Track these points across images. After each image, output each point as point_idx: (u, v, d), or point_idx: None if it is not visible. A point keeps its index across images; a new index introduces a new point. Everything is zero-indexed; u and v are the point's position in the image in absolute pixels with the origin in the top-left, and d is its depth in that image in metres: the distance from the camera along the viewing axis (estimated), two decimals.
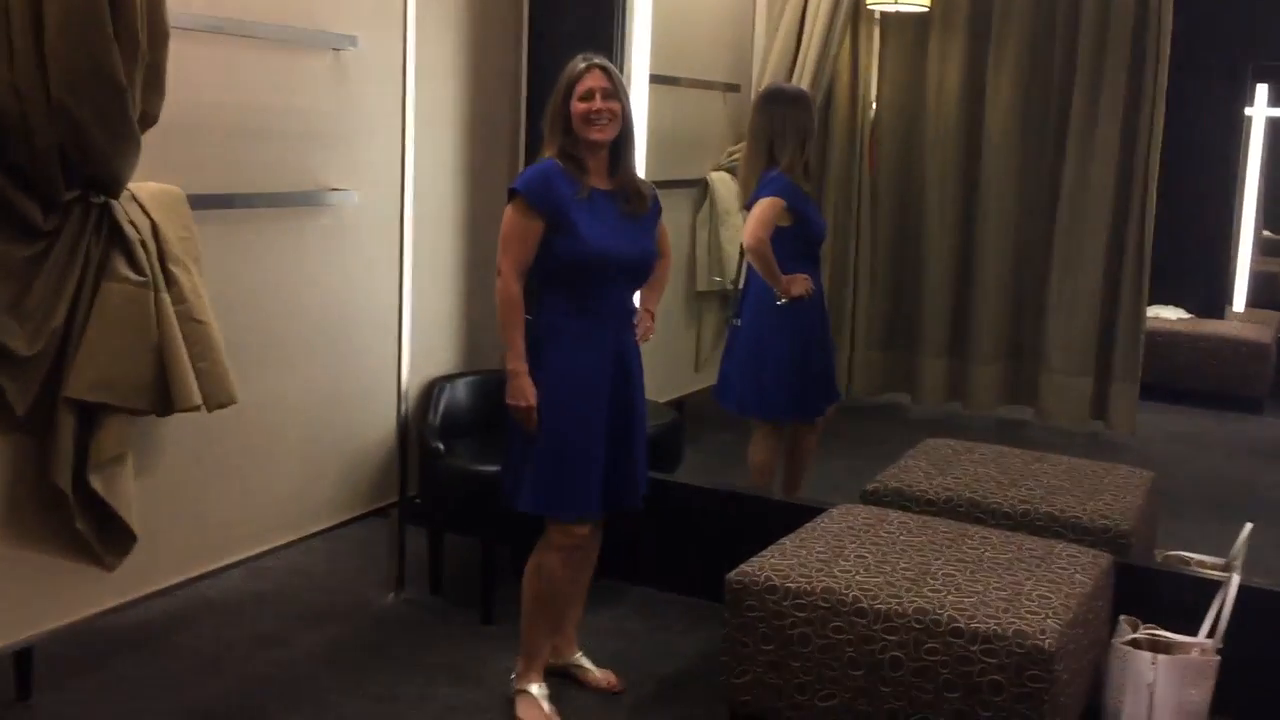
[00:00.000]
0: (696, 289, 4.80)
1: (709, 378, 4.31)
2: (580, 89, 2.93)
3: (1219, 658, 2.90)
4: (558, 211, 2.92)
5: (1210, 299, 6.01)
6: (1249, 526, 3.23)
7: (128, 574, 2.88)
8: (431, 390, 3.86)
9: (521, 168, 4.02)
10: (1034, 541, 3.08)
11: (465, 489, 3.62)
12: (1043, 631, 2.56)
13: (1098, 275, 4.91)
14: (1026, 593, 2.73)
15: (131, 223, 2.65)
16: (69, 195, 2.52)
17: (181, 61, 2.69)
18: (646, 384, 3.18)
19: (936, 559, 2.91)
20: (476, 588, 3.68)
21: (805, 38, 4.63)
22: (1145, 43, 4.70)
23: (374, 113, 3.53)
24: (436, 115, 3.82)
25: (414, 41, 3.60)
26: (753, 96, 4.55)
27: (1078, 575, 2.86)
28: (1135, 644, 2.94)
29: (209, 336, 2.78)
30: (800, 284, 3.85)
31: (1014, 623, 2.59)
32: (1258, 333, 5.72)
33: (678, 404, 4.55)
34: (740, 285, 4.10)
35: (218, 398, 2.81)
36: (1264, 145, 5.99)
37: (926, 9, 5.03)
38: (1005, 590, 2.74)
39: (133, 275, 2.62)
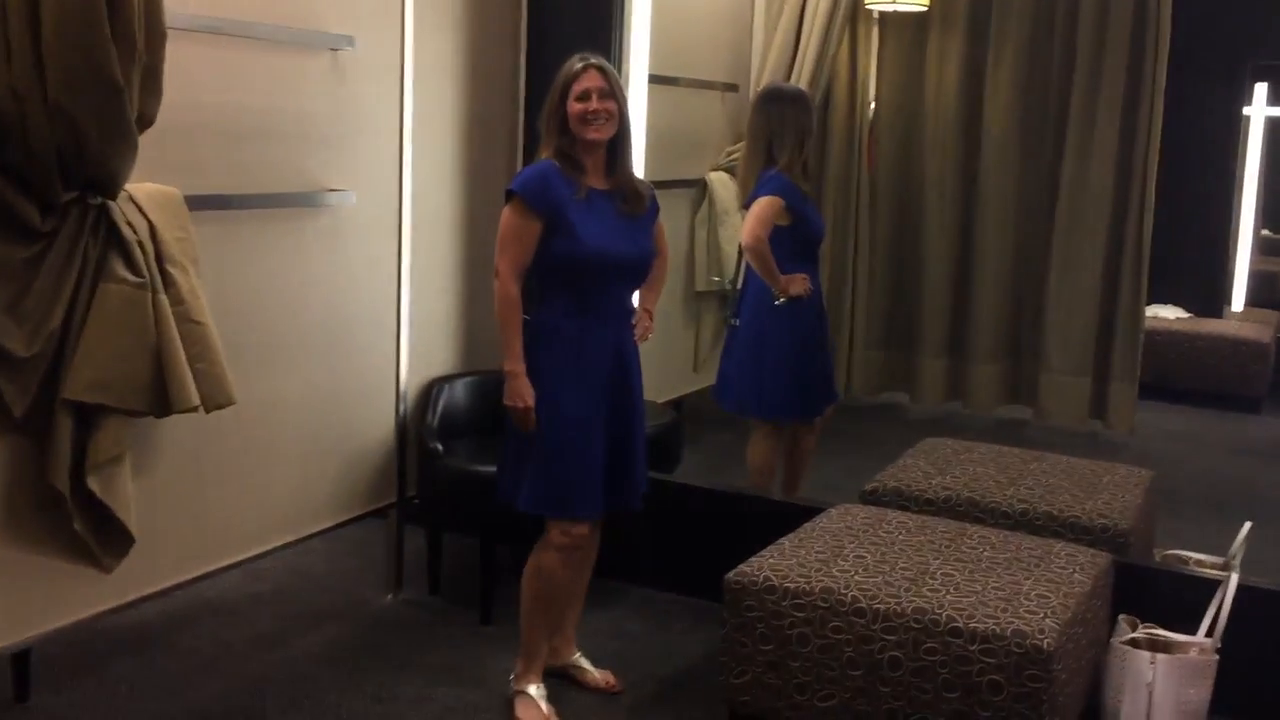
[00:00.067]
0: (695, 289, 4.80)
1: (708, 378, 4.31)
2: (577, 89, 2.92)
3: (1218, 657, 2.90)
4: (555, 212, 2.92)
5: (1209, 298, 6.01)
6: (1248, 525, 3.23)
7: (126, 575, 2.88)
8: (430, 391, 3.86)
9: (520, 168, 4.03)
10: (1033, 541, 3.08)
11: (464, 489, 3.62)
12: (1041, 631, 2.56)
13: (1096, 274, 4.91)
14: (1025, 592, 2.73)
15: (129, 224, 2.65)
16: (67, 196, 2.52)
17: (179, 62, 2.69)
18: (645, 384, 3.18)
19: (935, 559, 2.91)
20: (475, 588, 3.68)
21: (804, 37, 4.64)
22: (1144, 42, 4.70)
23: (372, 113, 3.53)
24: (434, 115, 3.82)
25: (412, 42, 3.60)
26: (751, 96, 4.55)
27: (1076, 575, 2.86)
28: (1134, 643, 2.94)
29: (207, 337, 2.78)
30: (799, 284, 3.85)
31: (1013, 622, 2.59)
32: (1256, 332, 5.72)
33: (676, 404, 4.55)
34: (739, 285, 4.10)
35: (216, 399, 2.81)
36: (1263, 144, 5.99)
37: (925, 8, 5.03)
38: (1004, 590, 2.74)
39: (130, 276, 2.62)
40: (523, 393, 2.94)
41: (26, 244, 2.49)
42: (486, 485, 3.29)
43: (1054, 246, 4.98)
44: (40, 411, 2.60)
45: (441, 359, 3.99)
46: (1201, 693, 2.87)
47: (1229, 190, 6.01)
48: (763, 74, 4.71)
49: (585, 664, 3.30)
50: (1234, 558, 3.18)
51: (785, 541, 3.04)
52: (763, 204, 3.77)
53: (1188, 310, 5.92)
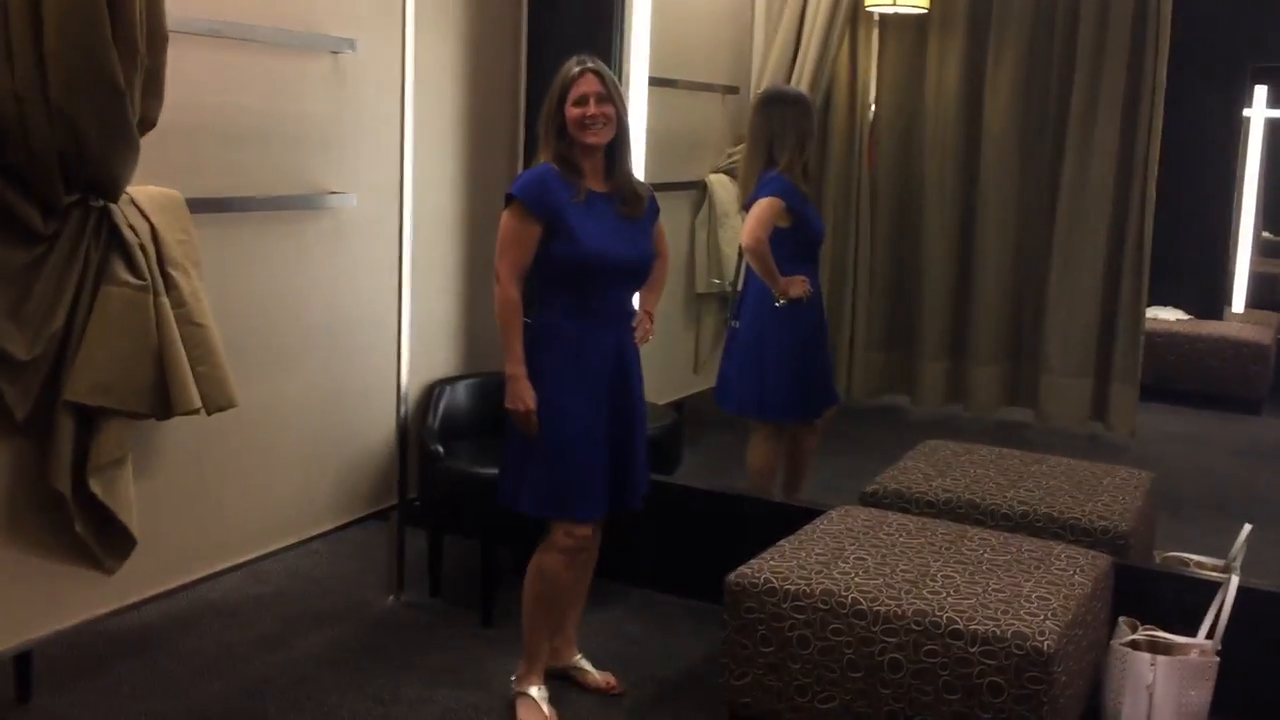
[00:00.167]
0: (696, 291, 4.81)
1: (708, 379, 4.32)
2: (574, 94, 2.93)
3: (1218, 659, 2.90)
4: (555, 215, 2.92)
5: (1209, 300, 6.00)
6: (1248, 527, 3.23)
7: (128, 577, 2.88)
8: (431, 393, 3.86)
9: (520, 170, 4.03)
10: (1033, 543, 3.08)
11: (465, 491, 3.62)
12: (1041, 633, 2.56)
13: (1097, 276, 4.91)
14: (1025, 594, 2.73)
15: (131, 226, 2.66)
16: (68, 199, 2.52)
17: (180, 65, 2.70)
18: (646, 386, 3.19)
19: (936, 561, 2.92)
20: (476, 590, 3.69)
21: (804, 39, 4.64)
22: (1144, 44, 4.70)
23: (373, 116, 3.53)
24: (435, 118, 3.83)
25: (413, 45, 3.60)
26: (751, 98, 4.56)
27: (1077, 577, 2.86)
28: (1134, 645, 2.95)
29: (208, 340, 2.79)
30: (798, 286, 3.85)
31: (1013, 624, 2.59)
32: (1257, 334, 5.72)
33: (677, 405, 4.55)
34: (739, 287, 4.11)
35: (217, 401, 2.81)
36: (1263, 146, 5.98)
37: (925, 10, 5.04)
38: (1004, 592, 2.74)
39: (132, 279, 2.63)
40: (524, 396, 2.95)
41: (28, 247, 2.49)
42: (487, 487, 3.29)
43: (1054, 248, 4.98)
44: (42, 414, 2.60)
45: (442, 361, 3.99)
46: (1202, 695, 2.88)
47: (1229, 192, 6.00)
48: (763, 76, 4.71)
49: (586, 665, 3.30)
50: (1234, 560, 3.18)
51: (786, 543, 3.05)
52: (763, 205, 3.77)
53: (1188, 312, 5.91)
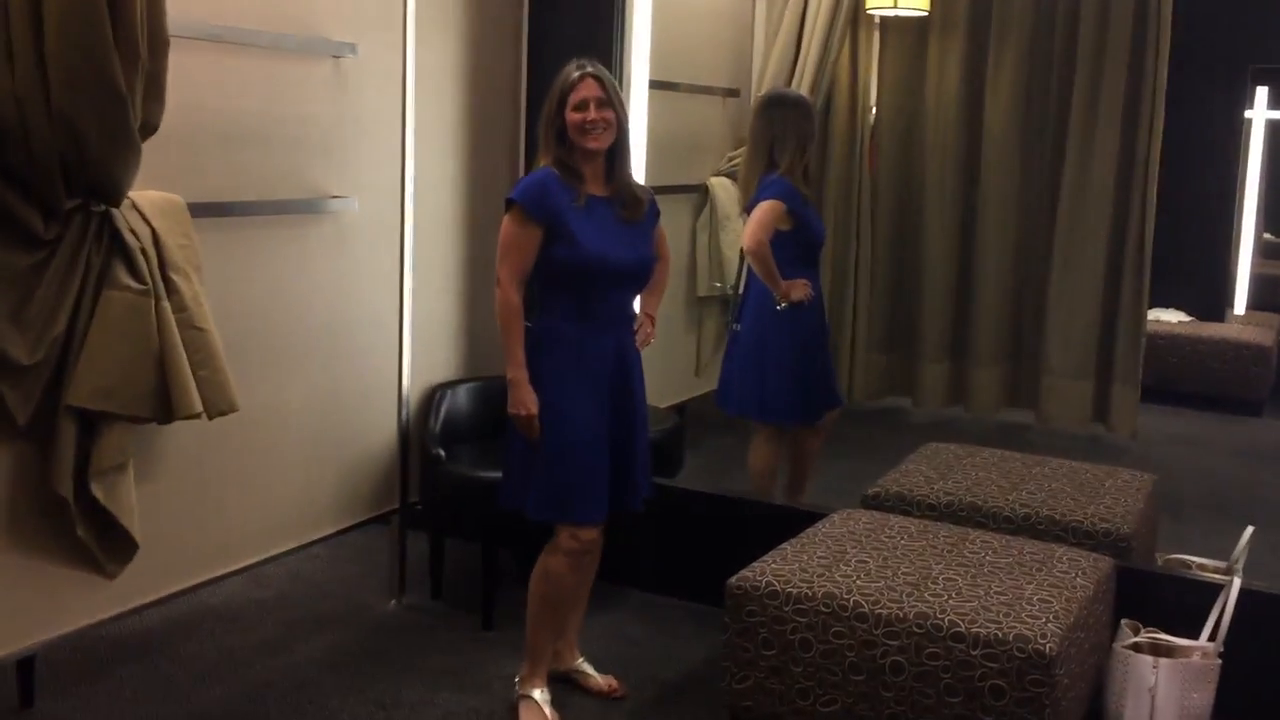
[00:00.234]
0: (697, 294, 4.81)
1: (709, 382, 4.32)
2: (574, 99, 2.93)
3: (1220, 661, 2.90)
4: (555, 220, 2.93)
5: (1211, 301, 6.00)
6: (1250, 530, 3.23)
7: (129, 582, 2.88)
8: (432, 396, 3.86)
9: (521, 173, 4.03)
10: (1035, 545, 3.08)
11: (466, 495, 3.62)
12: (1044, 636, 2.56)
13: (1098, 278, 4.90)
14: (1027, 597, 2.73)
15: (132, 231, 2.66)
16: (70, 204, 2.52)
17: (182, 69, 2.70)
18: (648, 389, 3.19)
19: (937, 563, 2.92)
20: (477, 593, 3.68)
21: (804, 42, 4.64)
22: (1145, 45, 4.70)
23: (374, 120, 3.53)
24: (436, 122, 3.83)
25: (413, 48, 3.61)
26: (752, 101, 4.56)
27: (1079, 579, 2.86)
28: (1136, 648, 2.94)
29: (209, 344, 2.79)
30: (799, 289, 3.85)
31: (1015, 627, 2.59)
32: (1258, 335, 5.71)
33: (679, 409, 4.55)
34: (740, 290, 4.11)
35: (218, 405, 2.82)
36: (1264, 148, 5.98)
37: (925, 13, 5.04)
38: (1006, 594, 2.74)
39: (133, 283, 2.63)
40: (526, 401, 2.95)
41: (30, 251, 2.50)
42: (489, 491, 3.29)
43: (1055, 250, 4.98)
44: (43, 418, 2.61)
45: (444, 365, 3.99)
46: (1204, 697, 2.87)
47: (1230, 193, 6.00)
48: (764, 79, 4.71)
49: (588, 669, 3.30)
50: (1236, 562, 3.17)
51: (787, 546, 3.05)
52: (764, 208, 3.78)
53: (1189, 313, 5.91)
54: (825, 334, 4.15)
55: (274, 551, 3.35)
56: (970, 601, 2.70)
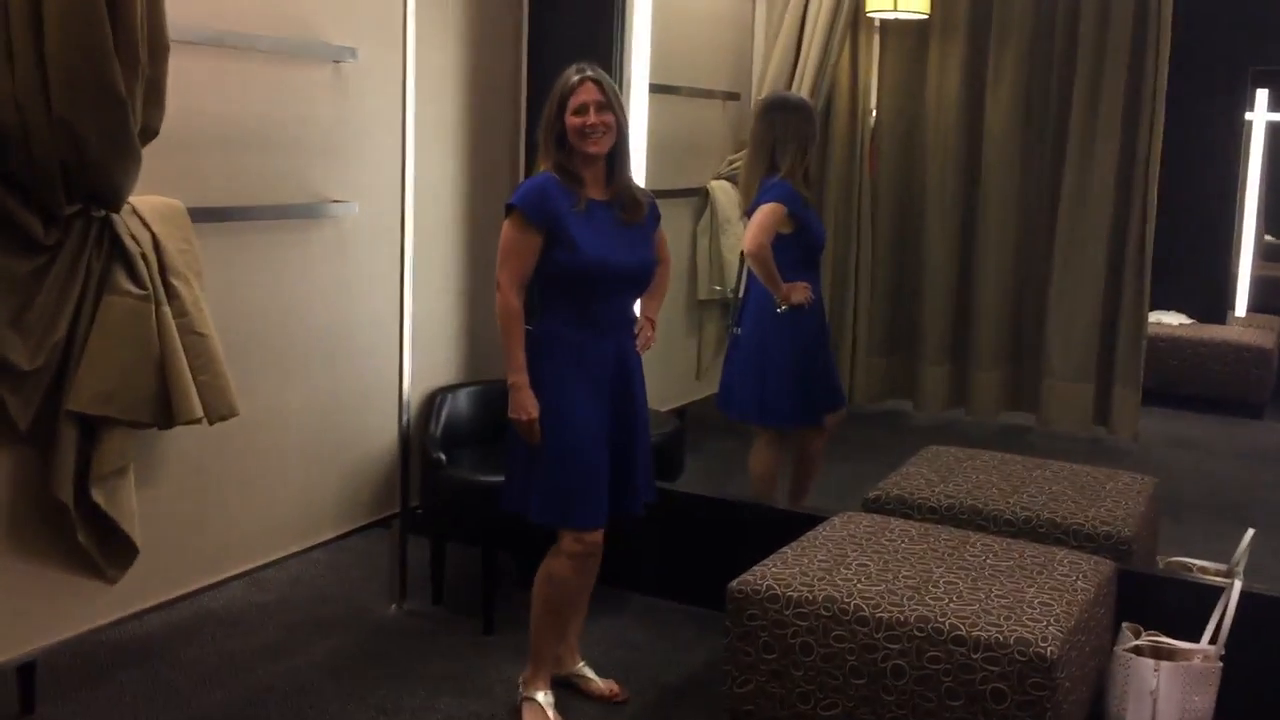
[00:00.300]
0: (697, 297, 4.81)
1: (710, 386, 4.31)
2: (574, 103, 2.93)
3: (1221, 664, 2.90)
4: (555, 224, 2.93)
5: (1212, 304, 5.99)
6: (1251, 532, 3.22)
7: (130, 587, 2.88)
8: (433, 401, 3.86)
9: (522, 177, 4.03)
10: (1036, 548, 3.08)
11: (467, 499, 3.62)
12: (1044, 639, 2.56)
13: (1099, 281, 4.90)
14: (1028, 600, 2.73)
15: (132, 236, 2.66)
16: (70, 209, 2.53)
17: (182, 74, 2.71)
18: (648, 393, 3.19)
19: (938, 567, 2.91)
20: (478, 598, 3.68)
21: (805, 45, 4.64)
22: (1145, 47, 4.70)
23: (374, 124, 3.53)
24: (437, 126, 3.83)
25: (414, 53, 3.61)
26: (752, 105, 4.56)
27: (1080, 582, 2.86)
28: (1138, 651, 2.94)
29: (210, 349, 2.79)
30: (800, 292, 3.85)
31: (1016, 630, 2.59)
32: (1259, 338, 5.71)
33: (679, 412, 4.55)
34: (741, 294, 4.11)
35: (219, 410, 2.82)
36: (1264, 150, 5.98)
37: (925, 16, 5.04)
38: (1007, 598, 2.74)
39: (134, 288, 2.63)
40: (527, 405, 2.95)
41: (30, 257, 2.50)
42: (489, 495, 3.29)
43: (1056, 252, 4.97)
44: (44, 424, 2.61)
45: (444, 369, 3.99)
46: (1205, 700, 2.87)
47: (1231, 196, 6.00)
48: (764, 82, 4.71)
49: (589, 673, 3.30)
50: (1237, 565, 3.17)
51: (788, 550, 3.04)
52: (765, 211, 3.78)
53: (1190, 316, 5.91)
54: (826, 336, 4.15)
55: (275, 556, 3.36)
56: (971, 605, 2.70)
